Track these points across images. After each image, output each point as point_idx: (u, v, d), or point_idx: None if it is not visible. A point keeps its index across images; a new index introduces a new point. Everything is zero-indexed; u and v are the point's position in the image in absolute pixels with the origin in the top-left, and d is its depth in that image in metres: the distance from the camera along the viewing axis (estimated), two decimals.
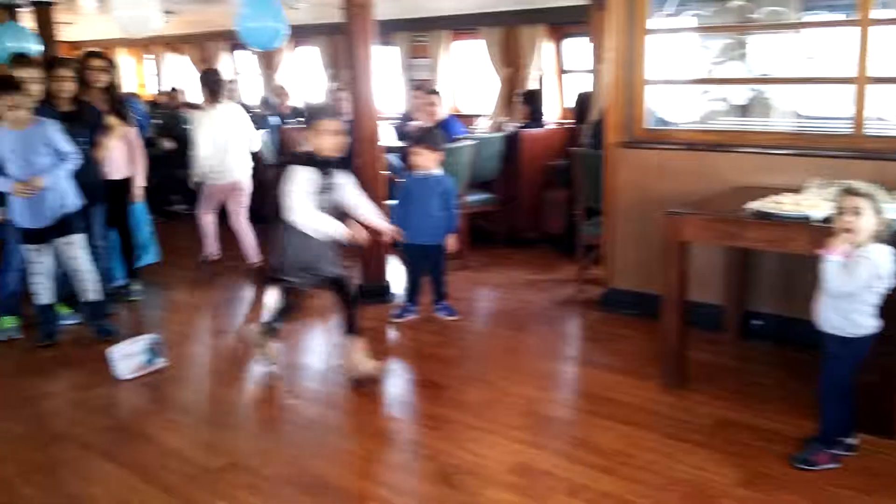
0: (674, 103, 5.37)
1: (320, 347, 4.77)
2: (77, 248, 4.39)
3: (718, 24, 5.73)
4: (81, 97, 4.82)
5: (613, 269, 4.95)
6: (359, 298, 4.01)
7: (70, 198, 4.37)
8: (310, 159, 3.67)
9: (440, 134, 4.89)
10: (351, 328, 3.94)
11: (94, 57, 5.12)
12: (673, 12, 5.06)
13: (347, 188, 3.87)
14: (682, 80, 5.28)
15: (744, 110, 5.84)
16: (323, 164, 3.67)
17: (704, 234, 3.63)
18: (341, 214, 3.79)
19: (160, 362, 4.13)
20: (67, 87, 4.69)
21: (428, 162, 4.74)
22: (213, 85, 5.98)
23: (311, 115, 3.77)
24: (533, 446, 3.21)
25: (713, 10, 5.83)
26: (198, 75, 10.39)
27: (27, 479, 3.03)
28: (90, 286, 4.49)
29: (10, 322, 4.62)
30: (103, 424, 3.52)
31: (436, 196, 4.76)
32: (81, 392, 3.87)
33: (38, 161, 4.18)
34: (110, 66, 5.16)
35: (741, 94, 5.76)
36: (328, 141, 3.65)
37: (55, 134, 4.27)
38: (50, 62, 5.09)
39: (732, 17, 5.84)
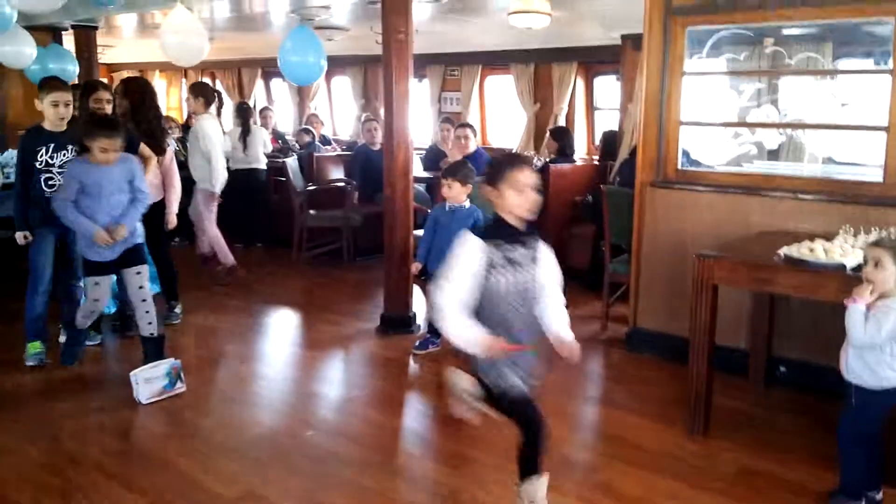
0: (706, 145, 5.35)
1: (340, 376, 4.76)
2: (145, 279, 4.34)
3: (752, 69, 5.73)
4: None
5: (639, 308, 4.90)
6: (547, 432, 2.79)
7: (138, 229, 4.39)
8: (493, 227, 2.68)
9: (471, 167, 4.90)
10: (535, 466, 2.77)
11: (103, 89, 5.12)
12: (707, 55, 5.06)
13: (543, 266, 2.76)
14: (715, 123, 5.26)
15: (775, 154, 5.81)
16: (510, 234, 2.64)
17: (736, 277, 3.59)
18: (530, 308, 2.70)
19: (180, 387, 4.13)
20: (107, 109, 4.78)
21: (459, 194, 4.75)
22: (209, 96, 6.26)
23: (500, 164, 2.68)
24: (552, 490, 3.11)
25: (747, 54, 5.84)
26: (232, 102, 10.65)
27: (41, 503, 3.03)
28: (154, 320, 4.34)
29: (37, 347, 4.56)
30: (121, 449, 3.52)
31: (465, 228, 4.74)
32: (100, 415, 3.87)
33: (117, 198, 4.16)
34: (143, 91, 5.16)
35: (773, 139, 5.74)
36: (521, 200, 2.63)
37: (138, 170, 4.29)
38: (88, 85, 5.17)
39: (766, 61, 5.83)
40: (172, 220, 5.25)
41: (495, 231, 2.63)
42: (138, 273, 4.28)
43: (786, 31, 5.40)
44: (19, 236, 4.46)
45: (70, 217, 4.07)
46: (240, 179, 8.17)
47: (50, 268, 4.52)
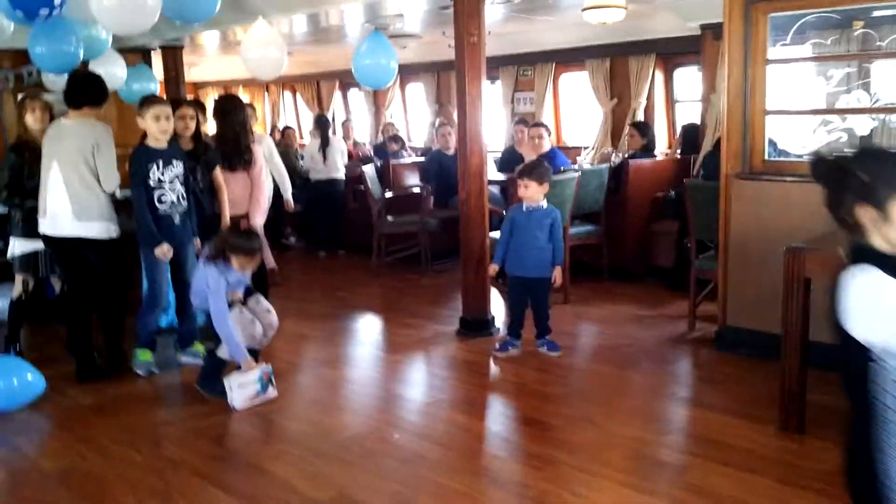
0: (794, 134, 5.16)
1: (423, 379, 4.80)
2: (266, 302, 4.49)
3: (840, 53, 5.50)
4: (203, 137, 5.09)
5: (728, 305, 4.75)
6: None
7: None
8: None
9: (547, 166, 4.86)
10: None
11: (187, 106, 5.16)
12: (792, 41, 4.89)
13: None
14: (802, 111, 5.07)
15: (868, 140, 5.56)
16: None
17: (828, 270, 3.42)
18: None
19: (272, 392, 4.24)
20: (190, 126, 4.93)
21: (536, 194, 4.72)
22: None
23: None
24: (642, 491, 3.09)
25: (834, 38, 5.61)
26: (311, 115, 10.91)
27: None
28: None
29: (147, 356, 4.67)
30: (216, 453, 3.64)
31: (543, 228, 4.73)
32: (197, 421, 4.00)
33: None
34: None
35: (865, 124, 5.50)
36: None
37: None
38: (172, 103, 5.27)
39: (855, 45, 5.59)
40: (269, 259, 5.34)
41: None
42: (258, 302, 4.42)
43: (875, 13, 5.17)
44: (162, 251, 4.43)
45: (230, 333, 4.11)
46: (321, 189, 8.39)
47: (167, 285, 4.67)
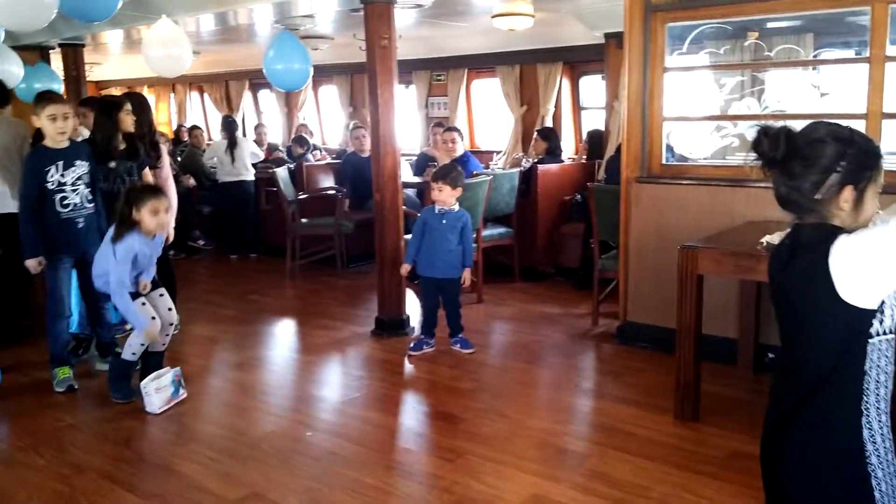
0: (690, 139, 5.44)
1: (337, 379, 4.82)
2: (169, 300, 4.36)
3: (734, 62, 5.83)
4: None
5: (629, 302, 4.98)
6: None
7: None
8: None
9: (460, 171, 4.98)
10: None
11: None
12: (688, 50, 5.16)
13: None
14: (697, 117, 5.35)
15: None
16: None
17: (719, 267, 3.67)
18: None
19: (182, 394, 4.19)
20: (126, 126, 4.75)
21: (449, 198, 4.83)
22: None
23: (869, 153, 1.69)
24: (549, 479, 3.23)
25: (728, 47, 5.94)
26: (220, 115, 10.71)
27: None
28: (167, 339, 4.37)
29: (66, 372, 4.40)
30: (124, 456, 3.57)
31: (454, 231, 4.85)
32: (105, 425, 3.93)
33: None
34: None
35: (755, 131, 5.84)
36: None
37: None
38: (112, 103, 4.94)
39: (747, 54, 5.94)
40: (171, 233, 5.13)
41: None
42: (161, 295, 4.29)
43: (766, 24, 5.50)
44: (32, 263, 4.23)
45: (128, 302, 3.97)
46: (229, 191, 8.24)
47: (69, 294, 4.44)
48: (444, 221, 4.84)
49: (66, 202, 4.27)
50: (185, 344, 5.28)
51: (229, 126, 8.44)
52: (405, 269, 4.96)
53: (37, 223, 4.22)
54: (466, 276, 4.92)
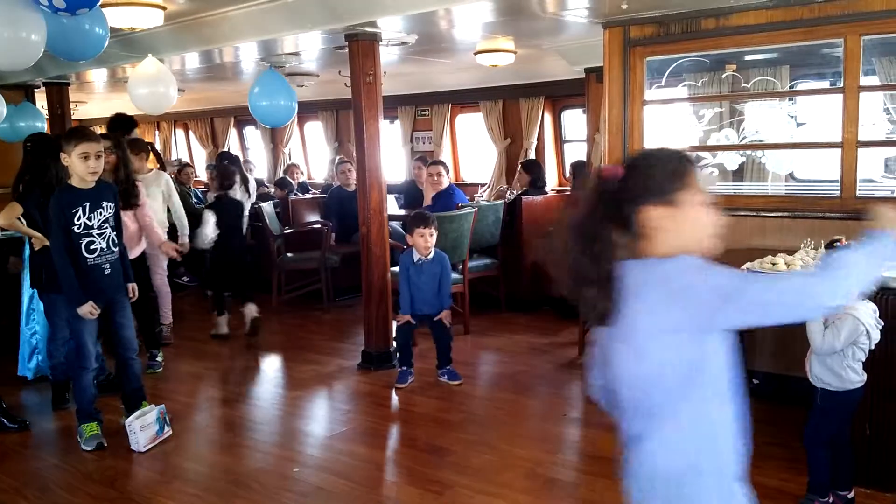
0: None
1: (324, 414, 4.80)
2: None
3: (712, 94, 5.94)
4: None
5: None
6: None
7: None
8: None
9: (428, 213, 5.06)
10: None
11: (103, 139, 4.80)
12: (667, 83, 5.26)
13: None
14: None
15: (738, 175, 6.00)
16: None
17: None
18: None
19: (168, 432, 4.15)
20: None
21: (428, 242, 4.91)
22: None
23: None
24: None
25: (706, 80, 6.06)
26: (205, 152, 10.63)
27: None
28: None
29: (94, 429, 4.10)
30: (109, 496, 3.53)
31: (435, 276, 4.99)
32: (89, 465, 3.88)
33: None
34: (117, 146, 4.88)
35: (734, 160, 5.94)
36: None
37: None
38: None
39: (725, 86, 6.06)
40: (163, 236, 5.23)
41: None
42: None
43: (743, 57, 5.63)
44: (87, 309, 3.92)
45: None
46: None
47: (95, 345, 4.20)
48: (424, 270, 4.96)
49: (92, 247, 3.97)
50: (169, 381, 5.24)
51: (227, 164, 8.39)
52: (403, 318, 4.98)
53: (73, 268, 3.92)
54: (444, 316, 4.97)
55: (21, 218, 4.47)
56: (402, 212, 7.65)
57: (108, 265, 4.04)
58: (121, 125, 6.30)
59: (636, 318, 1.57)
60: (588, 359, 1.75)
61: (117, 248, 4.12)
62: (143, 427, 4.00)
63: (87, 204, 3.96)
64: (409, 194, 8.04)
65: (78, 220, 3.92)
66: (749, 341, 4.38)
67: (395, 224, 7.04)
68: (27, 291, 4.99)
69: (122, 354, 4.24)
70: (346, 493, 3.48)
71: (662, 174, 1.60)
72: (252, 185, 7.80)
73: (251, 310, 6.21)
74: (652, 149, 1.73)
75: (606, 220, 1.61)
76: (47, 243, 4.30)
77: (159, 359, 5.47)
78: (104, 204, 4.03)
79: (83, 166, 3.87)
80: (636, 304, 1.57)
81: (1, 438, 4.25)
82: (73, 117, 8.73)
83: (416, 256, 4.96)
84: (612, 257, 1.59)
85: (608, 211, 1.61)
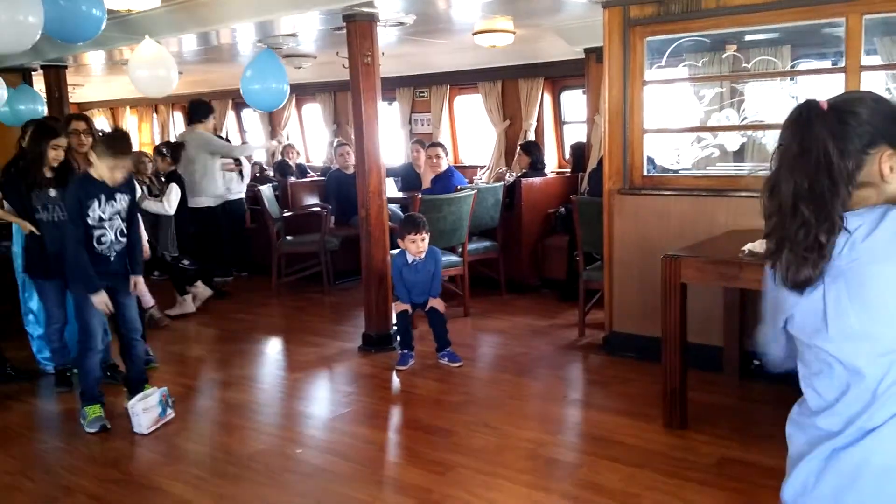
0: (670, 151, 5.51)
1: (325, 395, 4.82)
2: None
3: (712, 74, 5.92)
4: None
5: (614, 313, 5.02)
6: None
7: None
8: None
9: (419, 218, 5.07)
10: None
11: (77, 119, 4.88)
12: (667, 63, 5.24)
13: None
14: (677, 129, 5.43)
15: (739, 155, 6.00)
16: None
17: (702, 275, 3.71)
18: None
19: (170, 414, 4.17)
20: (85, 142, 4.68)
21: (420, 247, 4.94)
22: None
23: None
24: (539, 489, 3.24)
25: (707, 60, 6.04)
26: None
27: None
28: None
29: (97, 411, 4.11)
30: (114, 477, 3.54)
31: (429, 273, 5.02)
32: (93, 447, 3.90)
33: None
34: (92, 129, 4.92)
35: (735, 141, 5.93)
36: None
37: None
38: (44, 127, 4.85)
39: (726, 66, 6.04)
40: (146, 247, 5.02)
41: None
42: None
43: (743, 37, 5.60)
44: (101, 299, 3.98)
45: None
46: (221, 211, 8.05)
47: (101, 326, 4.16)
48: (419, 270, 5.00)
49: (102, 239, 4.03)
50: (172, 364, 5.26)
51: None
52: (401, 306, 5.01)
53: (86, 253, 3.98)
54: (437, 303, 4.99)
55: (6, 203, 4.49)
56: (401, 195, 7.64)
57: (113, 254, 4.11)
58: (201, 112, 6.99)
59: (878, 279, 1.32)
60: (768, 332, 1.55)
61: (125, 239, 4.15)
62: (145, 409, 4.02)
63: (103, 196, 4.00)
64: (407, 177, 8.02)
65: (93, 212, 3.97)
66: (749, 319, 4.40)
67: (394, 207, 7.04)
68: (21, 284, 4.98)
69: (125, 335, 4.29)
70: (349, 473, 3.50)
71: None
72: (247, 169, 7.83)
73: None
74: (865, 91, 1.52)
75: (833, 162, 1.35)
76: (33, 229, 4.31)
77: (151, 354, 5.25)
78: (118, 196, 4.07)
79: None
80: (875, 262, 1.32)
81: (4, 420, 4.28)
82: (70, 100, 8.68)
83: (409, 258, 4.98)
84: (838, 204, 1.34)
85: (837, 149, 1.35)
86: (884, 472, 1.34)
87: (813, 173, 1.35)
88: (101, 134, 4.06)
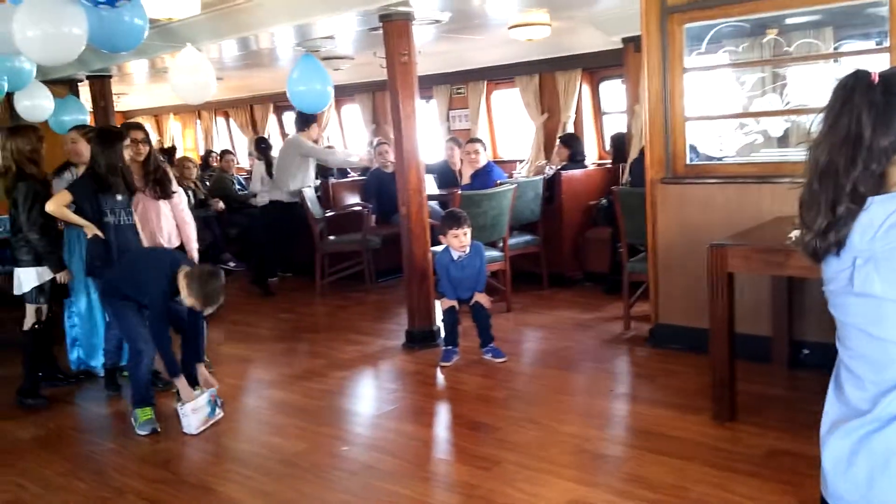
0: (713, 138, 5.41)
1: (370, 393, 4.85)
2: None
3: (753, 59, 5.79)
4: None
5: (660, 304, 4.95)
6: None
7: None
8: None
9: (460, 213, 5.05)
10: None
11: (136, 129, 5.00)
12: (707, 50, 5.14)
13: None
14: (718, 115, 5.32)
15: (784, 141, 5.85)
16: None
17: (749, 264, 3.64)
18: None
19: (219, 414, 4.24)
20: (142, 151, 4.83)
21: (463, 241, 4.92)
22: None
23: None
24: (585, 484, 3.21)
25: (746, 45, 5.90)
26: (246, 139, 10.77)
27: None
28: None
29: (147, 414, 4.16)
30: (163, 478, 3.61)
31: (474, 267, 5.01)
32: (142, 448, 3.98)
33: None
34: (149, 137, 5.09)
35: (779, 126, 5.78)
36: None
37: None
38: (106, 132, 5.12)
39: (767, 51, 5.90)
40: (194, 256, 5.10)
41: None
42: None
43: (784, 20, 5.47)
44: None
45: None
46: (274, 212, 8.02)
47: (142, 329, 4.19)
48: (464, 266, 4.98)
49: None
50: (219, 364, 5.33)
51: (264, 148, 8.52)
52: (448, 303, 5.00)
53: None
54: (483, 299, 4.97)
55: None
56: (442, 191, 7.64)
57: None
58: (306, 121, 7.49)
59: None
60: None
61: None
62: (194, 410, 4.09)
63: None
64: (443, 175, 8.01)
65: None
66: (797, 308, 4.30)
67: (434, 203, 7.05)
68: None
69: (183, 328, 4.35)
70: (395, 470, 3.52)
71: None
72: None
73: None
74: None
75: (863, 135, 1.31)
76: (97, 232, 4.42)
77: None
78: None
79: None
80: None
81: (56, 422, 4.40)
82: (115, 109, 8.88)
83: (454, 255, 4.96)
84: (852, 178, 1.31)
85: (878, 122, 1.31)
86: None
87: (839, 144, 1.33)
88: (196, 269, 4.07)
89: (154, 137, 13.25)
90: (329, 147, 9.68)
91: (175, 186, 5.04)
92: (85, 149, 4.82)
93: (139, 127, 5.08)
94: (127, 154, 4.61)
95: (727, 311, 3.64)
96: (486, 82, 9.34)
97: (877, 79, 1.35)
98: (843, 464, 1.40)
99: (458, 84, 9.64)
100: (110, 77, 8.26)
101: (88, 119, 7.79)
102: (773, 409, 3.79)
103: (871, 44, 5.37)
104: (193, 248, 5.11)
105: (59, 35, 4.36)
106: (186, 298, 4.00)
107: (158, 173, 4.89)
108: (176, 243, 5.04)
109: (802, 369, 4.25)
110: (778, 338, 4.33)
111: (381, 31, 5.25)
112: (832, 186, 1.34)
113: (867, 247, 1.31)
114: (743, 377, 3.85)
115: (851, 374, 1.42)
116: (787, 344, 4.31)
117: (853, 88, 1.35)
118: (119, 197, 4.52)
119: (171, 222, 5.00)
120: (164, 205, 4.94)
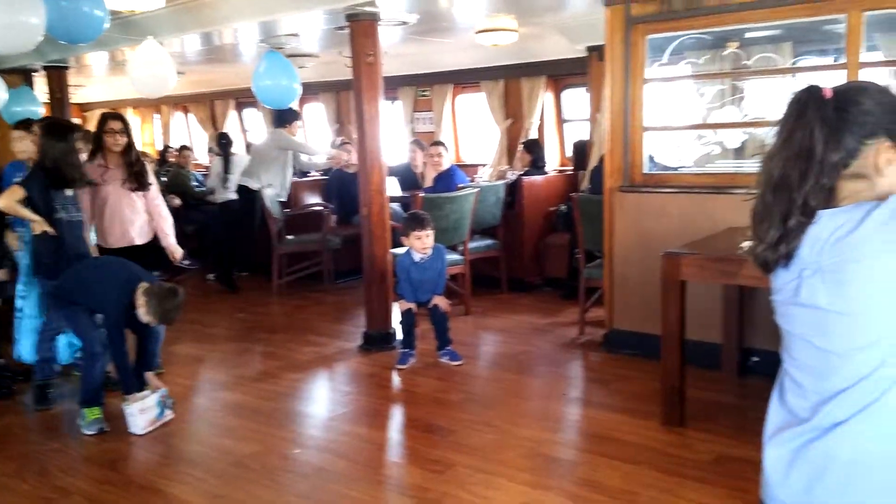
0: (671, 148, 5.49)
1: (324, 395, 4.81)
2: None
3: (713, 72, 5.90)
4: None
5: (614, 310, 5.00)
6: None
7: None
8: None
9: (424, 215, 5.04)
10: None
11: (114, 119, 4.85)
12: (669, 61, 5.22)
13: None
14: (677, 126, 5.41)
15: (740, 153, 5.97)
16: None
17: (701, 272, 3.70)
18: None
19: (168, 415, 4.17)
20: (120, 141, 4.74)
21: (426, 244, 4.91)
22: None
23: None
24: (538, 487, 3.23)
25: (707, 57, 6.02)
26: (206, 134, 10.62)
27: None
28: None
29: (95, 413, 4.10)
30: (111, 478, 3.54)
31: (435, 270, 5.03)
32: (89, 448, 3.90)
33: None
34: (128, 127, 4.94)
35: (736, 138, 5.90)
36: None
37: None
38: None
39: (727, 64, 6.02)
40: (175, 249, 5.01)
41: None
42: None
43: (744, 34, 5.58)
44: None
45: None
46: (228, 209, 7.96)
47: (95, 328, 4.14)
48: (425, 268, 4.98)
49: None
50: (171, 364, 5.24)
51: (224, 145, 8.39)
52: (406, 304, 4.97)
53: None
54: (440, 301, 4.97)
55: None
56: (403, 194, 7.63)
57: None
58: (287, 117, 7.58)
59: (856, 276, 1.30)
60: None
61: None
62: (142, 410, 4.01)
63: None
64: (405, 177, 8.00)
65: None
66: (748, 317, 4.38)
67: (395, 206, 7.04)
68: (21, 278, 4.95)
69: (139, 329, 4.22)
70: (347, 473, 3.50)
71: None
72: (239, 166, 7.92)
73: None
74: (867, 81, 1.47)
75: (815, 149, 1.34)
76: (47, 228, 4.31)
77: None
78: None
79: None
80: (854, 261, 1.30)
81: (1, 422, 4.28)
82: (71, 101, 8.70)
83: (416, 257, 4.95)
84: (804, 193, 1.34)
85: (829, 137, 1.34)
86: (851, 467, 1.34)
87: (793, 158, 1.37)
88: (154, 287, 3.97)
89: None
90: None
91: (151, 178, 4.96)
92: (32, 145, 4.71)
93: (117, 117, 4.90)
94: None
95: (679, 318, 3.69)
96: (452, 86, 9.35)
97: (829, 94, 1.38)
98: (783, 470, 1.42)
99: (424, 86, 9.63)
100: (67, 68, 8.09)
101: (42, 111, 7.62)
102: (723, 415, 3.85)
103: (829, 60, 5.51)
104: (171, 242, 5.00)
105: (16, 24, 4.26)
106: (144, 315, 3.94)
107: (139, 165, 4.83)
108: (147, 237, 4.96)
109: (752, 376, 4.33)
110: (728, 345, 4.40)
111: (347, 31, 5.23)
112: (785, 199, 1.37)
113: (815, 259, 1.34)
114: (693, 383, 3.91)
115: (794, 382, 1.45)
116: (737, 351, 4.39)
117: (806, 103, 1.39)
118: (68, 192, 4.42)
119: (142, 216, 4.91)
120: (137, 198, 4.86)
